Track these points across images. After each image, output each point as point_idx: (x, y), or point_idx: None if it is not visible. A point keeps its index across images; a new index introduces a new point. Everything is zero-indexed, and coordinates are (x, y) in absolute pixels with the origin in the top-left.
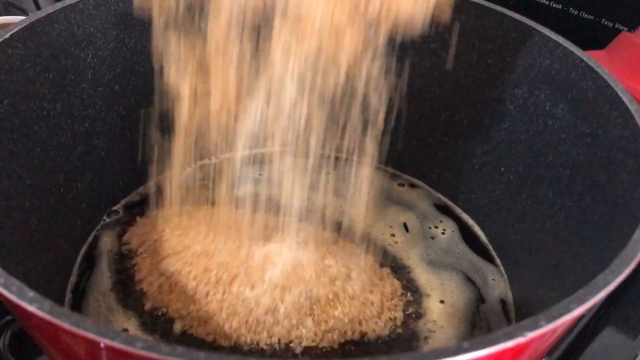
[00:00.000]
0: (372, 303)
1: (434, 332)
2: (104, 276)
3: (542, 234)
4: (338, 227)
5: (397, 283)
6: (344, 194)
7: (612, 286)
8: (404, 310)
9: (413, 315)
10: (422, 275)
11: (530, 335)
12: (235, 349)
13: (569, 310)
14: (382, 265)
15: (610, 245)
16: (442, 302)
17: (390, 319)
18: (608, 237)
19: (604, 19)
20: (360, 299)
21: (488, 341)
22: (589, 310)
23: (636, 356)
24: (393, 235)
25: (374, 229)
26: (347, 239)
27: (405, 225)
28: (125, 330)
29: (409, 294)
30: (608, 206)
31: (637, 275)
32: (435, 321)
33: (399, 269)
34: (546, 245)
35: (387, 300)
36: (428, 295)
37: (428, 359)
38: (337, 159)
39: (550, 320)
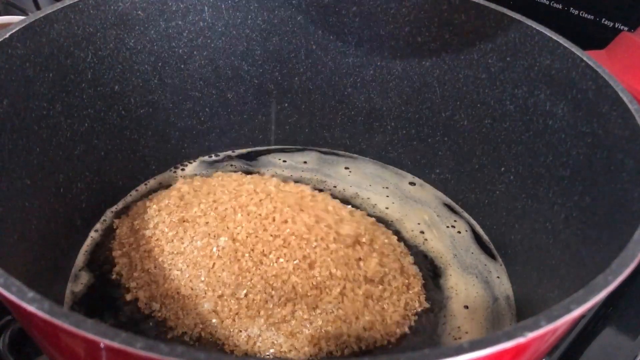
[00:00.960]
0: (396, 311)
1: (459, 339)
2: (102, 275)
3: (542, 234)
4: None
5: (419, 290)
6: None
7: (612, 286)
8: (426, 316)
9: (438, 321)
10: (452, 278)
11: (531, 335)
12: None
13: (569, 311)
14: (415, 265)
15: (610, 245)
16: (466, 307)
17: (412, 325)
18: (608, 237)
19: (604, 19)
20: (383, 305)
21: (488, 341)
22: (589, 310)
23: (636, 356)
24: (422, 232)
25: (404, 226)
26: (377, 234)
27: (429, 224)
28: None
29: (431, 300)
30: (608, 206)
31: (637, 275)
32: (459, 327)
33: (430, 270)
34: (546, 245)
35: (411, 306)
36: (452, 300)
37: (428, 359)
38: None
39: (550, 320)
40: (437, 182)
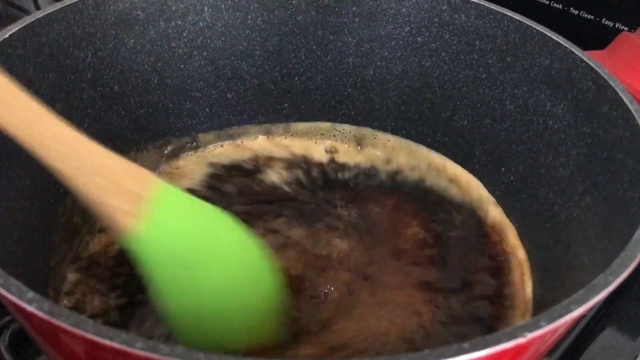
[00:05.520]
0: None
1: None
2: (101, 276)
3: (542, 234)
4: None
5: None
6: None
7: (612, 287)
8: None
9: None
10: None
11: (530, 335)
12: None
13: (569, 311)
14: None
15: (611, 246)
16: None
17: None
18: (608, 237)
19: (604, 19)
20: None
21: (488, 341)
22: (589, 310)
23: (636, 356)
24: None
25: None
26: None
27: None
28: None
29: None
30: (608, 206)
31: (638, 275)
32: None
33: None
34: (546, 245)
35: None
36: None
37: (428, 359)
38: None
39: (550, 320)
40: None
